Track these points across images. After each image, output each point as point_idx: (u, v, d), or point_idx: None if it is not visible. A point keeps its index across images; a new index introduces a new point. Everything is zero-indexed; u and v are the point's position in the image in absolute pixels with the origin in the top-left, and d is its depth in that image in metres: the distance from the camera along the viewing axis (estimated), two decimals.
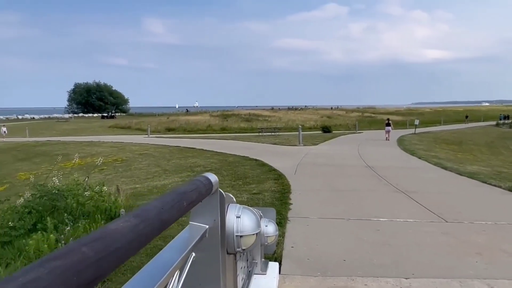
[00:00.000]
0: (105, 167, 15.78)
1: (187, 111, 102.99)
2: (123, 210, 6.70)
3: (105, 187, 7.76)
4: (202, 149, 20.06)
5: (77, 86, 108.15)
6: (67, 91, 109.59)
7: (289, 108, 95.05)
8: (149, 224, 1.05)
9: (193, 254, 1.66)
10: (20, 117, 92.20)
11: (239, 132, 37.48)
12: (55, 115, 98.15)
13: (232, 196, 2.24)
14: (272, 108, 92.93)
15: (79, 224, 6.27)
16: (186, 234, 1.73)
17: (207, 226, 1.88)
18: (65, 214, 6.67)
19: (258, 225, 2.29)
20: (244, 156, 16.37)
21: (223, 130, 39.93)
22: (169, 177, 12.63)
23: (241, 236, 2.18)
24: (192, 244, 1.64)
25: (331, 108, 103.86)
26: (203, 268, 1.86)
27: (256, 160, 15.02)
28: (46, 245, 5.28)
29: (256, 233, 2.26)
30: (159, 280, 1.18)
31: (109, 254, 0.81)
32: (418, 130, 35.53)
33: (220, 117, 53.53)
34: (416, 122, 34.40)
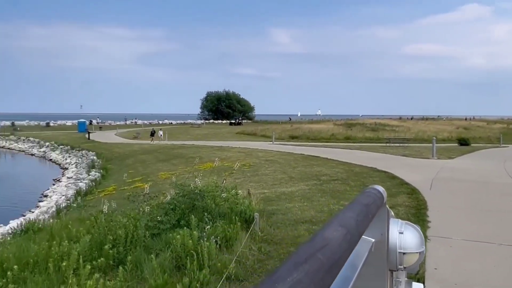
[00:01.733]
0: (234, 171, 16.62)
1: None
2: (257, 214, 6.95)
3: (239, 191, 8.14)
4: (327, 158, 19.89)
5: (208, 94, 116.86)
6: (200, 99, 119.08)
7: (422, 118, 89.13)
8: (352, 234, 1.02)
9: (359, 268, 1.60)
10: (160, 122, 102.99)
11: (364, 142, 36.32)
12: (189, 121, 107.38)
13: (390, 210, 2.12)
14: (400, 118, 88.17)
15: (218, 224, 6.67)
16: (357, 246, 1.68)
17: (373, 240, 1.81)
18: (205, 213, 7.17)
19: (422, 243, 2.13)
20: (371, 167, 15.77)
21: (347, 139, 39.12)
22: (296, 184, 12.76)
23: (404, 253, 2.06)
24: (364, 258, 1.58)
25: (465, 118, 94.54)
26: (366, 283, 1.78)
27: (385, 172, 14.35)
28: (190, 241, 5.72)
29: (420, 252, 2.11)
30: None
31: (335, 262, 0.80)
32: None
33: (344, 126, 52.58)
34: None
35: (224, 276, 5.15)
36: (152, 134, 39.70)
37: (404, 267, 2.22)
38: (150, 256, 5.57)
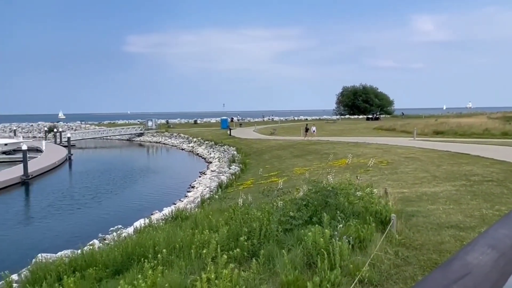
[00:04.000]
0: (371, 169, 15.94)
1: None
2: (393, 215, 6.49)
3: (375, 190, 7.73)
4: (478, 156, 17.72)
5: (344, 89, 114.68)
6: (336, 94, 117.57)
7: None
8: (508, 260, 0.79)
9: None
10: (295, 118, 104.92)
11: None
12: (325, 116, 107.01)
13: None
14: None
15: (351, 223, 6.42)
16: None
17: None
18: (337, 211, 6.97)
19: None
20: None
21: (505, 135, 34.26)
22: (440, 185, 11.64)
23: None
24: None
25: None
26: None
27: None
28: (322, 239, 5.61)
29: None
30: None
31: None
32: None
33: (501, 120, 46.28)
34: None
35: (357, 278, 4.91)
36: (307, 130, 40.58)
37: None
38: (282, 251, 5.62)
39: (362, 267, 5.15)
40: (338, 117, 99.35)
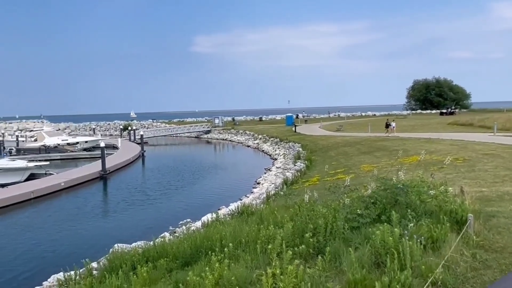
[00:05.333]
0: (445, 166, 15.05)
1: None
2: (471, 215, 6.06)
3: (450, 188, 7.27)
4: None
5: (415, 83, 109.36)
6: (406, 88, 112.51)
7: None
8: None
9: None
10: (363, 114, 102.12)
11: None
12: (394, 112, 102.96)
13: None
14: None
15: (422, 222, 6.10)
16: None
17: None
18: (408, 210, 6.65)
19: None
20: None
21: None
22: None
23: None
24: None
25: None
26: None
27: None
28: (391, 238, 5.38)
29: None
30: None
31: None
32: None
33: None
34: None
35: (429, 280, 4.65)
36: (387, 126, 38.84)
37: None
38: (348, 249, 5.48)
39: (435, 268, 4.86)
40: (408, 112, 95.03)
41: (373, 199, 7.58)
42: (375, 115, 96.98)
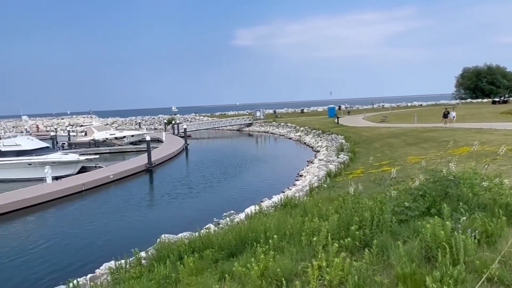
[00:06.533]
0: (499, 157, 14.30)
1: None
2: None
3: (506, 180, 6.90)
4: None
5: (465, 70, 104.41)
6: (455, 77, 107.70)
7: None
8: None
9: None
10: (408, 104, 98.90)
11: None
12: (442, 101, 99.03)
13: None
14: None
15: (476, 216, 5.83)
16: None
17: None
18: (459, 203, 6.38)
19: None
20: None
21: None
22: None
23: None
24: None
25: None
26: None
27: None
28: (442, 232, 5.18)
29: None
30: None
31: None
32: None
33: None
34: None
35: (485, 276, 4.44)
36: (445, 115, 37.04)
37: None
38: (396, 243, 5.33)
39: (491, 264, 4.63)
40: (458, 101, 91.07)
41: (421, 191, 7.32)
42: (421, 105, 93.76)
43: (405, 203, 7.02)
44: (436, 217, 5.81)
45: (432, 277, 4.37)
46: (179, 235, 11.40)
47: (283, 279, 4.93)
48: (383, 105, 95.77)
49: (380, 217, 6.47)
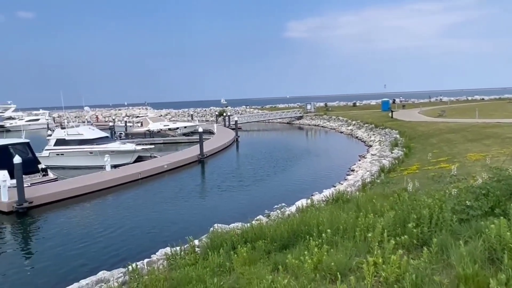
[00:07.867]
0: None
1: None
2: None
3: None
4: None
5: None
6: None
7: None
8: None
9: None
10: (468, 98, 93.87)
11: None
12: (506, 95, 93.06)
13: None
14: None
15: None
16: None
17: None
18: None
19: None
20: None
21: None
22: None
23: None
24: None
25: None
26: None
27: None
28: (508, 233, 4.92)
29: None
30: None
31: None
32: None
33: None
34: None
35: None
36: None
37: None
38: (457, 242, 5.13)
39: None
40: None
41: (484, 190, 6.98)
42: (483, 99, 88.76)
43: (467, 202, 6.72)
44: (501, 217, 5.53)
45: (497, 279, 4.18)
46: (231, 225, 11.61)
47: (337, 273, 4.90)
48: (441, 99, 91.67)
49: (440, 216, 6.25)
